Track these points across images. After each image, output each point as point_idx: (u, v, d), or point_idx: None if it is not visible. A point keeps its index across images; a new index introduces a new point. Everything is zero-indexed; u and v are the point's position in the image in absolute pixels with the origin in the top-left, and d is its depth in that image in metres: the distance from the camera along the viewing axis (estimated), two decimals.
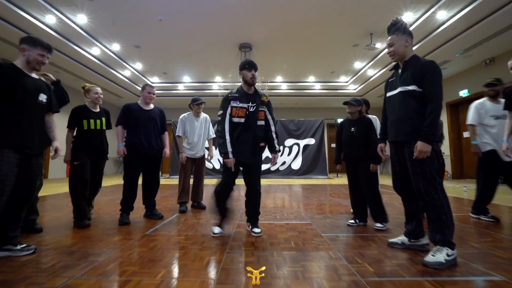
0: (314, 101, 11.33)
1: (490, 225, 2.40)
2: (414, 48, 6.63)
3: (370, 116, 2.95)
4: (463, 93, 7.51)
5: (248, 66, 2.08)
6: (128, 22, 5.48)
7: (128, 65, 7.63)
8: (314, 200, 3.94)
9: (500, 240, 1.97)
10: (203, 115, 3.44)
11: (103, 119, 2.62)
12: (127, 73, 8.19)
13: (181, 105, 10.22)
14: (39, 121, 1.79)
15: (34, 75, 1.83)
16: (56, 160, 6.13)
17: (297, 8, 5.07)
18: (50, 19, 5.16)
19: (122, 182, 2.60)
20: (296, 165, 8.92)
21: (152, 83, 9.31)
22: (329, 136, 11.87)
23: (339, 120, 11.18)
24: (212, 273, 1.40)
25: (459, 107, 7.95)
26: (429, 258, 1.49)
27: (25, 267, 1.46)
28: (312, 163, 8.84)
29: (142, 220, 2.63)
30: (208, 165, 8.65)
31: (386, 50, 1.81)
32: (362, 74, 8.43)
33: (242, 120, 2.05)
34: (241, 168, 2.14)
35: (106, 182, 2.72)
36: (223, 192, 2.10)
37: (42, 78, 1.97)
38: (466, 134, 7.60)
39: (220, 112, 2.09)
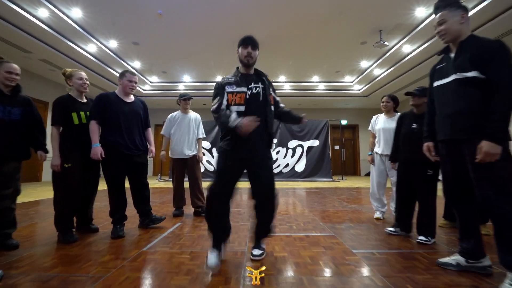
0: (318, 102, 11.04)
1: None
2: (424, 46, 6.38)
3: (398, 114, 2.76)
4: None
5: (243, 42, 1.65)
6: (126, 17, 5.15)
7: (126, 63, 7.29)
8: (327, 206, 3.61)
9: None
10: (194, 114, 3.19)
11: None
12: None
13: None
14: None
15: None
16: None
17: (301, 4, 4.78)
18: (43, 12, 4.83)
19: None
20: (300, 167, 8.62)
21: (151, 82, 8.98)
22: (333, 138, 11.57)
23: (343, 122, 10.92)
24: None
25: None
26: None
27: None
28: (316, 165, 8.57)
29: (138, 232, 2.28)
30: (208, 167, 8.32)
31: (435, 29, 1.49)
32: (368, 73, 8.16)
33: (242, 108, 1.57)
34: (245, 171, 1.61)
35: (100, 185, 2.34)
36: (214, 202, 1.56)
37: None
38: None
39: (215, 102, 1.59)
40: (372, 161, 2.86)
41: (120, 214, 2.20)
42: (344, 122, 10.88)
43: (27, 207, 3.44)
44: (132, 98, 2.37)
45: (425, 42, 6.07)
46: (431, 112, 1.60)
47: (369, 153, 2.93)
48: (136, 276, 1.40)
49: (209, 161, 8.35)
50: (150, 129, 2.52)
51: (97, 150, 2.04)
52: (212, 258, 1.43)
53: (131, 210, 2.39)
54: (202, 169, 7.86)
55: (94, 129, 2.08)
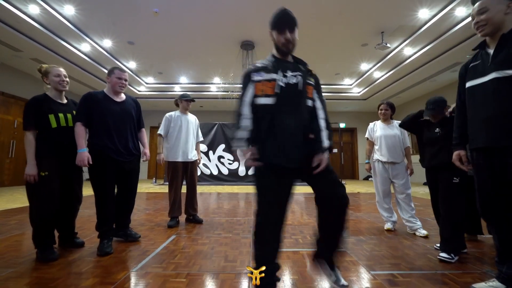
0: None
1: None
2: (426, 49, 6.26)
3: (395, 121, 2.72)
4: None
5: (275, 25, 1.30)
6: (121, 15, 4.94)
7: (121, 63, 7.06)
8: None
9: None
10: (192, 116, 3.04)
11: (75, 112, 1.97)
12: None
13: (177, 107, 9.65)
14: None
15: None
16: None
17: (301, 4, 4.62)
18: (33, 9, 4.61)
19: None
20: None
21: (147, 83, 8.74)
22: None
23: (342, 125, 10.77)
24: None
25: None
26: None
27: None
28: None
29: (127, 246, 2.05)
30: (205, 170, 8.08)
31: (472, 20, 1.29)
32: (368, 76, 8.04)
33: (270, 100, 1.22)
34: (294, 184, 1.30)
35: (85, 191, 2.11)
36: (264, 236, 1.23)
37: None
38: None
39: (239, 98, 1.32)
40: (370, 169, 2.76)
41: (108, 227, 1.96)
42: (342, 125, 10.74)
43: (9, 216, 3.18)
44: (123, 97, 2.14)
45: (427, 44, 5.96)
46: (462, 115, 1.42)
47: (366, 161, 2.82)
48: None
49: (205, 164, 8.12)
50: (144, 130, 2.30)
51: (83, 155, 1.81)
52: None
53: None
54: (199, 173, 7.62)
55: (80, 132, 1.86)
